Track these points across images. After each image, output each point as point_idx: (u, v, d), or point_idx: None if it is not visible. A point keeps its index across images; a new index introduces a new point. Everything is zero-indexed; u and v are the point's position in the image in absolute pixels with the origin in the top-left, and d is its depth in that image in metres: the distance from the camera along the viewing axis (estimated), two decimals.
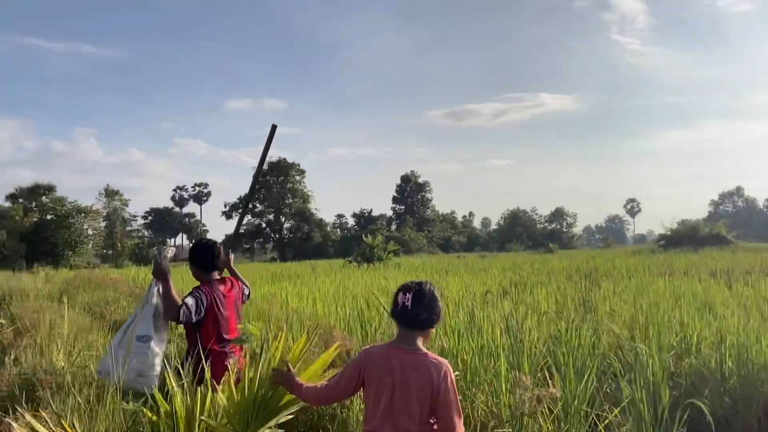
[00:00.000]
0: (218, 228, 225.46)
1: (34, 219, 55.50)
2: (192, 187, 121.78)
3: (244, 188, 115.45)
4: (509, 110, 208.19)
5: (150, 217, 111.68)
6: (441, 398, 2.37)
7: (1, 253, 49.27)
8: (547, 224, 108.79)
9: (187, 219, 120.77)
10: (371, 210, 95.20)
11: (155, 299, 3.66)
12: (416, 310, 2.44)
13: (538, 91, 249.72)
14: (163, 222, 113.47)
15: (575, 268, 18.11)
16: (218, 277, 3.94)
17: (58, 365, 4.69)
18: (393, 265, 25.81)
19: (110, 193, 67.32)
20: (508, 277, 14.11)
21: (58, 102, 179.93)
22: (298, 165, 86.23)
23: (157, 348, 3.58)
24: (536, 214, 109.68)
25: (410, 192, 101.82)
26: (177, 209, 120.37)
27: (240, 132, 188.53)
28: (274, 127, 4.25)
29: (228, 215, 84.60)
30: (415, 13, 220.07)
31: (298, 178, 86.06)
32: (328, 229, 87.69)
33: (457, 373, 3.98)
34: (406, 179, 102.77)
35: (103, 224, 63.18)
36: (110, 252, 67.73)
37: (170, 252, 3.81)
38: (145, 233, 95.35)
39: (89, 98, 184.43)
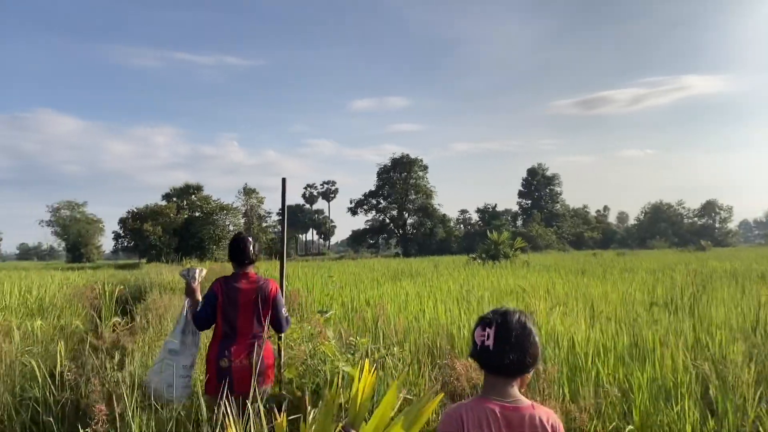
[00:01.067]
0: (345, 223, 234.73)
1: (185, 216, 61.32)
2: (321, 184, 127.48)
3: (368, 185, 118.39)
4: (648, 95, 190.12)
5: (279, 215, 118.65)
6: None
7: (157, 246, 55.09)
8: (696, 219, 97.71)
9: (316, 215, 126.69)
10: (495, 205, 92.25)
11: (186, 315, 3.87)
12: (501, 350, 1.83)
13: (681, 73, 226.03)
14: (294, 218, 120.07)
15: (746, 269, 15.26)
16: (247, 270, 3.88)
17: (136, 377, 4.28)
18: (520, 263, 24.16)
19: (248, 192, 72.46)
20: (664, 281, 12.06)
21: (207, 110, 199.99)
22: (421, 161, 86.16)
23: (185, 360, 3.75)
24: (683, 207, 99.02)
25: (537, 186, 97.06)
26: (307, 206, 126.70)
27: (364, 131, 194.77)
28: (283, 181, 4.65)
29: (353, 211, 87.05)
30: (540, 1, 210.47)
31: (420, 173, 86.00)
32: (452, 224, 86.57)
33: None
34: (532, 172, 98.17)
35: (242, 220, 68.16)
36: None
37: (198, 273, 3.97)
38: (280, 229, 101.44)
39: (232, 106, 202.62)
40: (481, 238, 42.89)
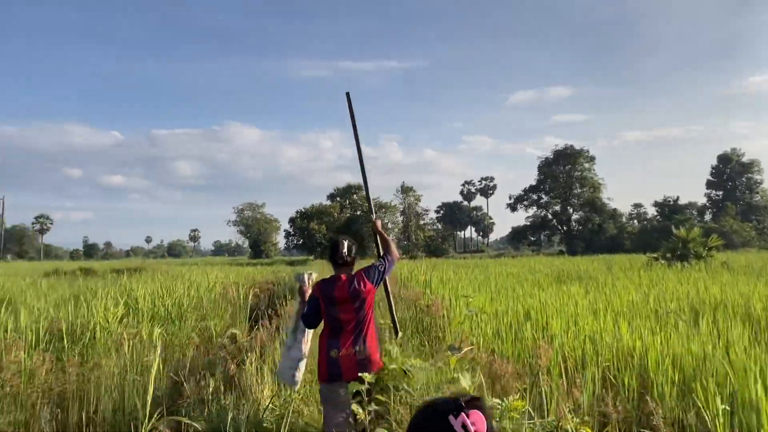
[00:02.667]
0: (505, 220, 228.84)
1: (347, 214, 64.12)
2: (478, 181, 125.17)
3: (528, 180, 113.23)
4: None
5: (441, 211, 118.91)
6: None
7: (322, 244, 58.28)
8: None
9: (474, 212, 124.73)
10: (677, 198, 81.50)
11: (297, 314, 4.27)
12: None
13: None
14: (453, 215, 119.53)
15: None
16: (342, 272, 4.03)
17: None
18: (717, 264, 20.18)
19: (405, 190, 73.42)
20: None
21: (369, 113, 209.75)
22: (587, 152, 79.48)
23: (296, 353, 4.19)
24: None
25: (731, 174, 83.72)
26: (465, 203, 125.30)
27: (523, 124, 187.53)
28: (347, 95, 4.74)
29: (513, 208, 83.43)
30: None
31: (587, 165, 79.35)
32: (624, 220, 78.51)
33: None
34: (724, 159, 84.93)
35: (400, 218, 69.30)
36: (407, 243, 73.97)
37: (308, 278, 4.31)
38: (438, 226, 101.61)
39: (392, 107, 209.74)
40: (660, 234, 37.68)
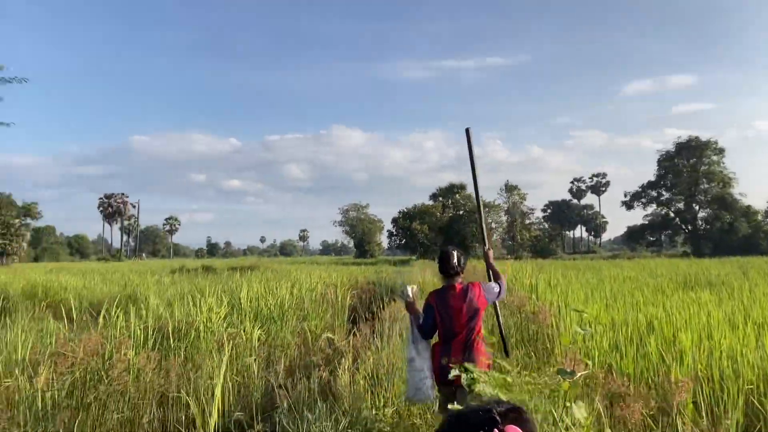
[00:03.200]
0: (619, 219, 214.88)
1: (449, 214, 63.49)
2: (589, 177, 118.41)
3: (645, 176, 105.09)
4: None
5: (549, 210, 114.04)
6: None
7: (424, 244, 58.25)
8: None
9: (584, 210, 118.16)
10: None
11: (412, 327, 4.20)
12: None
13: None
14: (561, 214, 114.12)
15: None
16: (454, 282, 4.14)
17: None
18: None
19: (510, 188, 71.26)
20: None
21: (471, 112, 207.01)
22: (715, 143, 72.05)
23: (421, 363, 4.06)
24: None
25: None
26: (575, 201, 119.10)
27: (639, 116, 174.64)
28: (467, 131, 4.80)
29: (628, 206, 77.73)
30: None
31: (715, 158, 71.93)
32: (759, 218, 70.15)
33: None
34: None
35: (504, 217, 67.40)
36: (511, 243, 71.72)
37: (412, 291, 4.28)
38: (545, 225, 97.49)
39: (496, 105, 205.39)
40: None
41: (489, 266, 4.46)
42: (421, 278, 13.89)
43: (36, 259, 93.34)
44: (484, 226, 5.00)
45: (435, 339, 4.16)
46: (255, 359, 4.96)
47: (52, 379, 3.81)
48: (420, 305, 4.21)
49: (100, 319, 4.85)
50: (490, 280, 4.40)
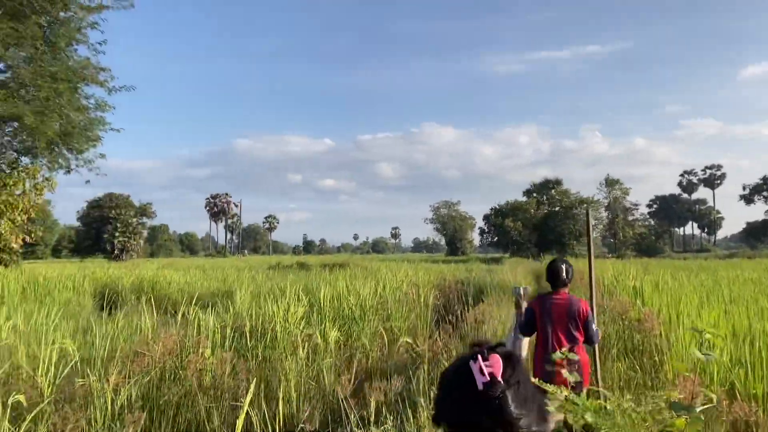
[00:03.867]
0: (736, 214, 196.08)
1: (544, 211, 60.88)
2: (702, 170, 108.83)
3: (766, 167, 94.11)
4: None
5: (654, 206, 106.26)
6: None
7: (518, 242, 56.33)
8: None
9: (696, 206, 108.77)
10: None
11: (515, 324, 4.93)
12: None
13: None
14: (669, 210, 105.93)
15: None
16: (559, 291, 4.37)
17: None
18: None
19: (610, 183, 67.06)
20: None
21: (568, 104, 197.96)
22: None
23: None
24: None
25: None
26: (685, 195, 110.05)
27: (758, 102, 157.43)
28: (587, 211, 5.87)
29: (748, 199, 70.56)
30: None
31: None
32: None
33: None
34: None
35: (604, 213, 63.54)
36: (613, 241, 67.49)
37: (523, 291, 5.10)
38: (651, 222, 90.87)
39: (594, 95, 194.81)
40: None
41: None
42: (511, 277, 13.21)
43: (152, 255, 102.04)
44: (594, 307, 4.62)
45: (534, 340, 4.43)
46: (331, 363, 4.79)
47: (128, 377, 3.87)
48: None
49: (179, 317, 4.91)
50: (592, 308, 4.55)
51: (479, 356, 1.10)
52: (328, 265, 34.52)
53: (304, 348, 4.69)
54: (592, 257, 4.88)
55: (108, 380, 3.53)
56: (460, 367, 1.14)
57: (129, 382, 3.78)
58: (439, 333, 6.06)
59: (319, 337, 4.97)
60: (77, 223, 74.37)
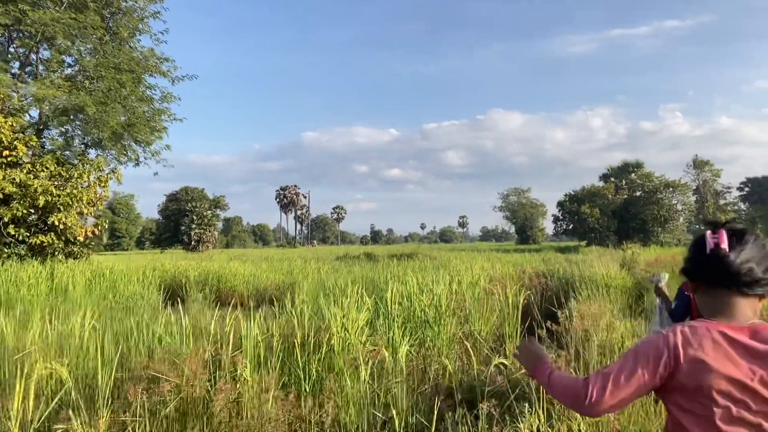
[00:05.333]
0: None
1: (624, 196, 56.94)
2: None
3: None
4: None
5: (746, 189, 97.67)
6: None
7: (595, 229, 53.01)
8: None
9: None
10: None
11: (658, 311, 4.95)
12: (741, 258, 1.58)
13: None
14: (763, 193, 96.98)
15: None
16: None
17: None
18: None
19: (699, 164, 61.90)
20: None
21: (645, 84, 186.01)
22: None
23: None
24: None
25: None
26: None
27: None
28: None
29: None
30: None
31: None
32: None
33: None
34: None
35: (692, 198, 58.64)
36: (702, 227, 62.40)
37: (663, 279, 4.87)
38: (742, 206, 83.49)
39: (673, 74, 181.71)
40: None
41: None
42: (602, 269, 11.59)
43: (227, 246, 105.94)
44: None
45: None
46: (403, 385, 3.74)
47: (142, 409, 2.95)
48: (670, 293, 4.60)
49: (212, 327, 3.99)
50: None
51: (709, 231, 1.60)
52: (395, 255, 33.64)
53: (368, 366, 3.69)
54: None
55: (100, 421, 2.66)
56: (699, 238, 1.64)
57: (131, 421, 2.87)
58: (535, 338, 4.93)
59: (385, 351, 3.94)
60: (158, 216, 78.03)
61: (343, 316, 4.21)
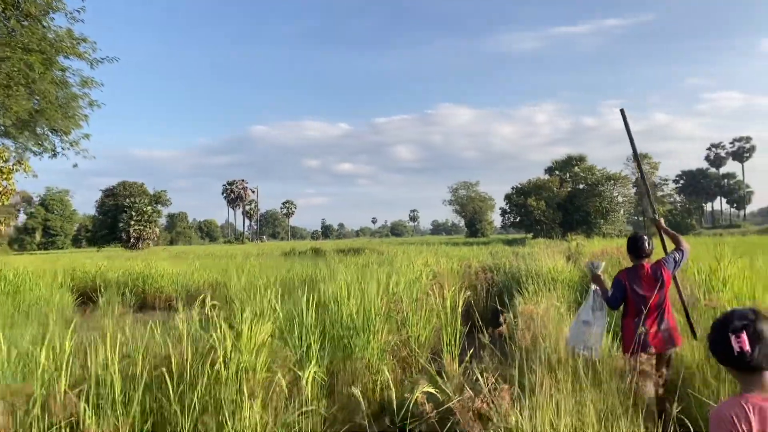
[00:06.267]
0: (762, 188, 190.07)
1: (569, 189, 58.14)
2: (730, 143, 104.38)
3: None
4: None
5: (681, 181, 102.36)
6: None
7: (542, 221, 53.88)
8: None
9: (725, 180, 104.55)
10: None
11: (593, 295, 4.81)
12: (757, 350, 1.97)
13: None
14: (696, 185, 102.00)
15: None
16: (643, 262, 4.69)
17: None
18: None
19: (639, 157, 64.12)
20: None
21: (587, 80, 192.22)
22: None
23: (597, 329, 4.63)
24: None
25: None
26: (713, 170, 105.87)
27: None
28: (622, 111, 5.27)
29: None
30: None
31: None
32: None
33: None
34: None
35: (632, 190, 60.57)
36: (641, 219, 64.61)
37: (600, 267, 4.92)
38: (677, 198, 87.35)
39: (614, 71, 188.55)
40: None
41: (664, 231, 4.96)
42: (549, 262, 11.17)
43: (171, 243, 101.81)
44: (651, 199, 5.49)
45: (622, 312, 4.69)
46: (311, 413, 2.94)
47: None
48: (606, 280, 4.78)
49: (42, 354, 3.01)
50: (666, 251, 4.88)
51: (733, 336, 1.93)
52: (343, 250, 32.76)
53: (261, 396, 2.86)
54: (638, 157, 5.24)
55: None
56: (721, 334, 1.99)
57: None
58: (476, 352, 4.22)
59: (282, 379, 3.07)
60: (95, 213, 73.86)
61: (239, 333, 3.36)
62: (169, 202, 73.38)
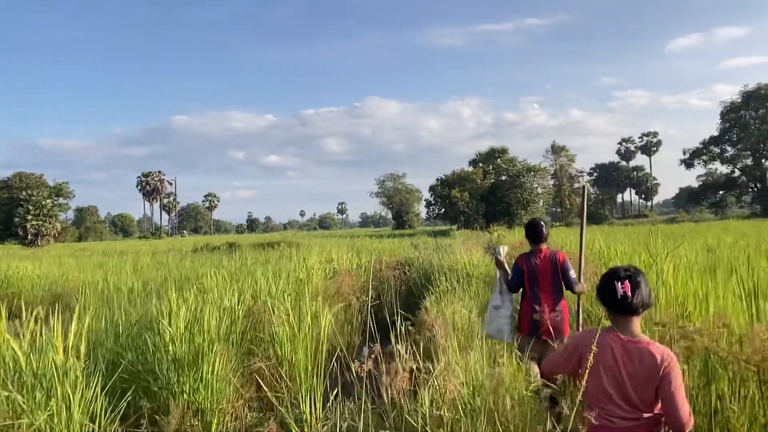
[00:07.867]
0: (673, 178, 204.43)
1: (491, 180, 58.92)
2: (639, 137, 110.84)
3: (697, 135, 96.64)
4: None
5: (595, 174, 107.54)
6: (665, 388, 2.38)
7: (465, 213, 54.20)
8: None
9: (635, 173, 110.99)
10: None
11: (499, 280, 5.04)
12: (635, 298, 2.49)
13: None
14: (609, 178, 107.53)
15: None
16: (540, 247, 4.92)
17: None
18: None
19: (556, 150, 65.95)
20: None
21: (508, 76, 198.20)
22: None
23: (506, 312, 4.87)
24: None
25: None
26: (623, 163, 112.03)
27: (686, 74, 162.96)
28: (583, 188, 5.38)
29: (688, 164, 71.24)
30: None
31: None
32: None
33: None
34: None
35: (551, 182, 62.35)
36: (559, 210, 66.82)
37: (503, 250, 5.11)
38: (592, 190, 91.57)
39: (533, 68, 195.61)
40: None
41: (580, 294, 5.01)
42: (465, 257, 10.25)
43: (80, 239, 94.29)
44: (582, 267, 5.11)
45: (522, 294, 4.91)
46: None
47: None
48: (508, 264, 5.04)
49: None
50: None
51: (618, 282, 2.45)
52: (261, 244, 30.91)
53: None
54: (584, 232, 5.07)
55: None
56: (609, 282, 2.48)
57: None
58: (349, 387, 3.07)
59: None
60: None
61: None
62: (73, 194, 67.70)
